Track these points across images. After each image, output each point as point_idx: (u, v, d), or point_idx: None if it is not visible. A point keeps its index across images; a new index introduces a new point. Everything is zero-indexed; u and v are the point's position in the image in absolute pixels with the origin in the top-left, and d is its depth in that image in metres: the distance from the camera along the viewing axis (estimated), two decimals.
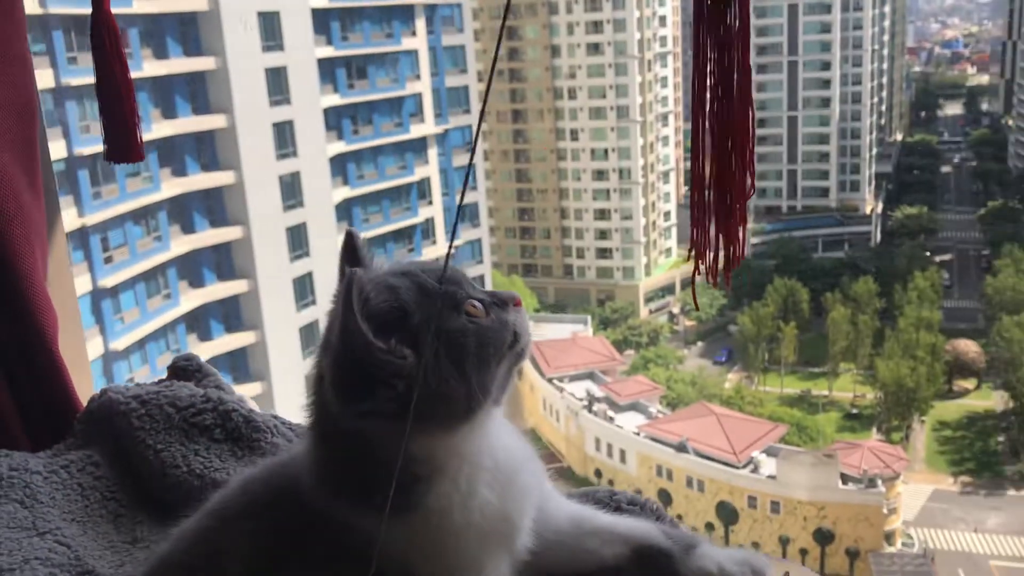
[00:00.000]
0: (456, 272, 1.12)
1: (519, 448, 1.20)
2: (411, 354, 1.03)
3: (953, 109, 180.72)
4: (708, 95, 0.97)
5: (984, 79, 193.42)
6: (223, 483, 1.61)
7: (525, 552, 1.18)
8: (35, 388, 1.82)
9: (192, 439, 1.69)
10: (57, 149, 29.96)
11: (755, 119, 0.99)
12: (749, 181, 1.01)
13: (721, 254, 1.03)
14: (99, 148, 1.82)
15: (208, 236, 38.98)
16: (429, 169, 51.85)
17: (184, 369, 1.89)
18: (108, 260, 33.60)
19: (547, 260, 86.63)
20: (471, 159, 1.32)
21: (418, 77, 51.19)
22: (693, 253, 1.05)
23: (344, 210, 46.55)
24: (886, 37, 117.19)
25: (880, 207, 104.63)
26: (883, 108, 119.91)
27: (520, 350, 1.12)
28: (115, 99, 1.82)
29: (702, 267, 1.07)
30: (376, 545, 1.05)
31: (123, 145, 1.85)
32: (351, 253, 1.15)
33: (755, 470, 45.06)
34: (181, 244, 37.15)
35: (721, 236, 1.03)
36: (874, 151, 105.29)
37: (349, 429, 1.05)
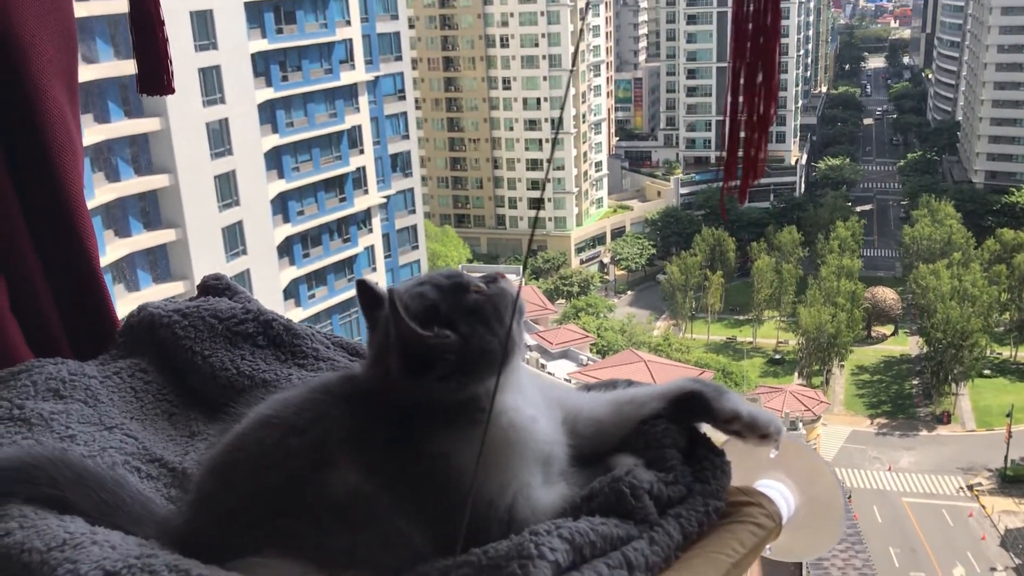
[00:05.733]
0: (453, 270, 1.48)
1: (543, 385, 1.53)
2: (451, 333, 1.37)
3: (876, 62, 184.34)
4: (745, 34, 1.20)
5: (906, 33, 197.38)
6: (272, 383, 1.79)
7: (563, 463, 1.46)
8: (80, 305, 1.95)
9: (236, 346, 1.84)
10: None
11: (780, 55, 1.23)
12: (773, 108, 1.24)
13: (747, 172, 1.26)
14: None
15: (133, 184, 38.02)
16: (360, 117, 51.11)
17: (215, 287, 2.03)
18: None
19: (479, 210, 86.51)
20: None
21: (348, 22, 50.19)
22: (723, 171, 1.28)
23: (273, 158, 45.75)
24: None
25: (804, 158, 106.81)
26: (809, 60, 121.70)
27: (520, 307, 1.43)
28: (149, 35, 1.94)
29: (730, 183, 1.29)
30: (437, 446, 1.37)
31: (155, 78, 1.98)
32: (368, 297, 1.47)
33: None
34: (106, 192, 36.16)
35: (747, 156, 1.26)
36: (799, 103, 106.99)
37: (409, 389, 1.39)
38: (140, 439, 1.69)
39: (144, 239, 38.44)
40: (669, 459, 1.42)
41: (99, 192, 35.56)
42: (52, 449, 1.50)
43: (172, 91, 1.98)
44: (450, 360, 1.36)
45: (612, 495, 1.35)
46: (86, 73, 33.89)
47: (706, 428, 1.53)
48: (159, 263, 39.54)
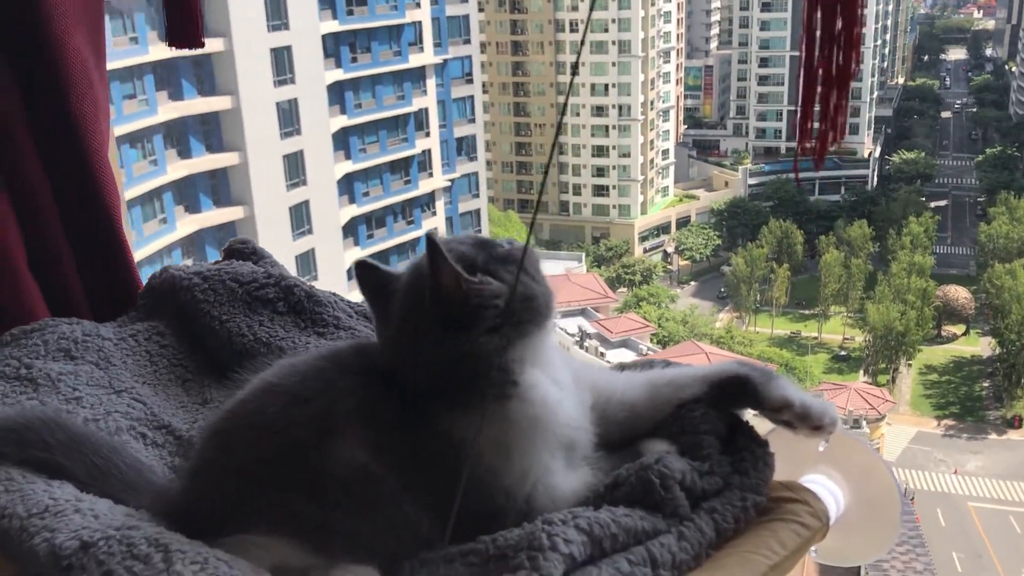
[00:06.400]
0: (473, 233, 1.42)
1: (575, 365, 1.42)
2: (494, 280, 1.28)
3: (957, 54, 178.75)
4: None
5: (990, 24, 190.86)
6: (289, 350, 1.70)
7: (586, 449, 1.33)
8: (100, 263, 1.89)
9: (255, 311, 1.76)
10: None
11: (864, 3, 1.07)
12: (854, 59, 1.09)
13: (825, 132, 1.11)
14: None
15: (204, 161, 38.70)
16: (427, 100, 51.27)
17: (240, 251, 1.96)
18: None
19: (543, 196, 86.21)
20: None
21: (418, 5, 50.31)
22: (797, 133, 1.14)
23: (341, 139, 46.17)
24: None
25: (878, 151, 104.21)
26: (886, 51, 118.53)
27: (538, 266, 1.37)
28: None
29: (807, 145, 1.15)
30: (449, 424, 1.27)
31: (184, 30, 1.90)
32: (372, 280, 1.44)
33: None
34: (177, 169, 36.87)
35: (825, 114, 1.11)
36: (875, 94, 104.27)
37: (448, 352, 1.28)
38: (149, 404, 1.62)
39: (213, 216, 39.12)
40: (706, 447, 1.28)
41: (171, 168, 36.30)
42: (48, 411, 1.43)
43: (201, 45, 1.90)
44: (497, 308, 1.27)
45: (639, 484, 1.22)
46: (160, 52, 34.57)
47: (750, 416, 1.39)
48: (227, 240, 40.14)
